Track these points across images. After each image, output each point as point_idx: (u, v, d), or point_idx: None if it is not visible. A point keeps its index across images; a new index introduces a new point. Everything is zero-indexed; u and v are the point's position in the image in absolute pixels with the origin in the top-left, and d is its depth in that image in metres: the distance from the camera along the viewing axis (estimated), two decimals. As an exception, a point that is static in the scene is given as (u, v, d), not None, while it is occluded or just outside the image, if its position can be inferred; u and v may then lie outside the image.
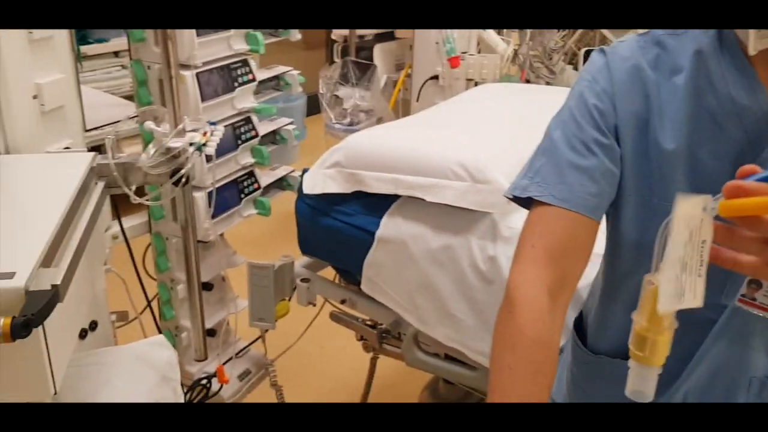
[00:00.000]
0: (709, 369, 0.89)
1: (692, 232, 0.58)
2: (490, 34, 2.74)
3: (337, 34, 3.06)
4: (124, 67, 3.50)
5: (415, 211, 1.54)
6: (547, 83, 2.90)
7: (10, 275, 0.85)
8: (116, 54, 3.46)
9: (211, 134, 1.21)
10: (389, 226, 1.57)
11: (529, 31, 2.74)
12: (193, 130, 1.21)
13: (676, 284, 0.59)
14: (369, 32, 3.06)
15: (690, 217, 0.58)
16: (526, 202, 0.88)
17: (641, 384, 0.65)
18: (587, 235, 0.86)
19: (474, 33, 2.67)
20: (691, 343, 0.88)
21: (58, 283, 0.86)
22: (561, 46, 2.91)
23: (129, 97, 3.61)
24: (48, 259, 0.93)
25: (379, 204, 1.59)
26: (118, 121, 1.69)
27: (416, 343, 1.58)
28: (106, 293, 1.42)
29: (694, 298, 0.60)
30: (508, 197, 0.91)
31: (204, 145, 1.17)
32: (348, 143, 1.66)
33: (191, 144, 1.16)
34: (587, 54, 2.19)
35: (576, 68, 3.13)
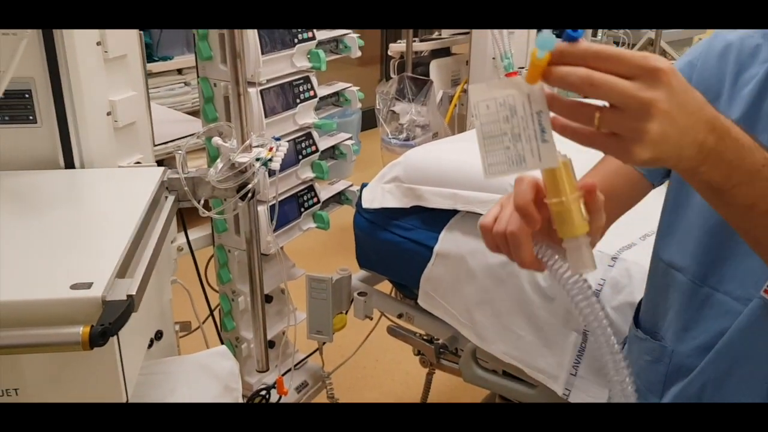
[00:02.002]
0: (730, 360, 0.88)
1: (518, 106, 0.63)
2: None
3: (394, 50, 3.08)
4: (186, 83, 3.60)
5: (474, 227, 1.54)
6: (606, 98, 2.86)
7: (88, 285, 0.89)
8: (179, 71, 3.57)
9: (277, 149, 1.24)
10: (447, 241, 1.57)
11: (587, 45, 2.71)
12: (259, 146, 1.24)
13: (508, 153, 0.65)
14: (425, 48, 3.08)
15: (503, 97, 0.64)
16: None
17: (577, 258, 0.66)
18: (628, 184, 0.90)
19: (531, 48, 2.66)
20: (717, 333, 0.88)
21: (134, 293, 0.89)
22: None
23: (191, 113, 3.72)
24: (123, 270, 0.96)
25: (437, 219, 1.60)
26: (185, 137, 1.74)
27: (474, 359, 1.58)
28: (172, 304, 1.47)
29: (540, 161, 0.64)
30: None
31: (270, 160, 1.20)
32: (406, 158, 1.68)
33: (257, 159, 1.19)
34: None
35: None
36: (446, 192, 1.55)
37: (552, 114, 0.62)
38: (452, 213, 1.59)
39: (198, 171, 1.26)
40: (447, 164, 1.60)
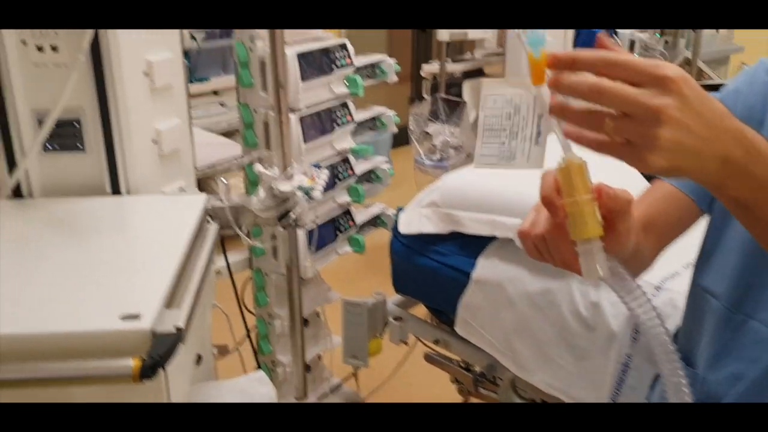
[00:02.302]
0: (762, 390, 0.86)
1: (523, 106, 0.67)
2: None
3: (427, 71, 3.10)
4: (222, 104, 3.66)
5: (513, 253, 1.53)
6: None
7: (137, 317, 0.90)
8: (216, 92, 3.62)
9: (318, 177, 1.25)
10: (486, 267, 1.56)
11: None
12: (301, 174, 1.25)
13: (502, 148, 0.68)
14: (458, 69, 3.09)
15: (510, 94, 0.68)
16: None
17: (588, 263, 0.65)
18: (677, 211, 0.89)
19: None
20: (750, 362, 0.87)
21: (182, 326, 0.90)
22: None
23: (226, 133, 3.77)
24: (170, 300, 0.98)
25: (475, 244, 1.59)
26: (224, 160, 1.76)
27: (514, 389, 1.56)
28: (211, 328, 1.48)
29: (527, 162, 0.68)
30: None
31: (312, 189, 1.21)
32: (444, 183, 1.68)
33: (300, 188, 1.20)
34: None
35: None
36: (484, 218, 1.55)
37: (565, 124, 0.62)
38: (490, 239, 1.58)
39: (240, 199, 1.27)
40: (485, 190, 1.60)
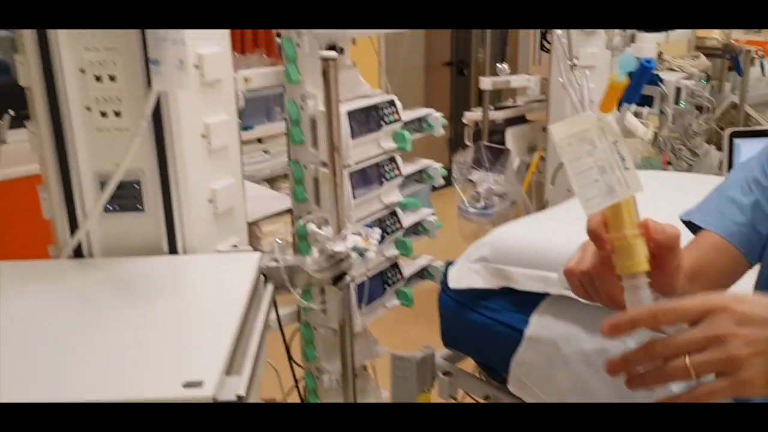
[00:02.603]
0: None
1: (596, 140, 0.69)
2: (629, 118, 2.70)
3: (469, 118, 3.11)
4: (266, 151, 3.72)
5: (567, 311, 1.50)
6: (690, 166, 2.80)
7: (199, 384, 0.91)
8: (260, 140, 3.70)
9: (371, 238, 1.26)
10: (539, 324, 1.54)
11: (670, 113, 2.67)
12: (355, 234, 1.26)
13: (599, 186, 0.68)
14: (500, 116, 3.09)
15: (581, 133, 0.69)
16: (694, 229, 0.97)
17: (633, 297, 0.67)
18: (726, 262, 0.91)
19: (613, 116, 2.64)
20: None
21: (243, 394, 0.91)
22: (704, 129, 2.82)
23: (269, 180, 3.83)
24: (230, 366, 0.98)
25: (527, 300, 1.57)
26: (274, 214, 1.79)
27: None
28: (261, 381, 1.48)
29: (628, 188, 0.68)
30: (682, 220, 1.00)
31: (366, 250, 1.22)
32: (494, 238, 1.67)
33: (354, 249, 1.21)
34: (733, 136, 2.11)
35: (720, 149, 3.00)
36: (537, 274, 1.53)
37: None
38: (543, 295, 1.56)
39: (295, 259, 1.28)
40: (537, 245, 1.58)
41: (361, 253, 1.21)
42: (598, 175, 0.69)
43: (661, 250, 0.69)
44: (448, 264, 1.76)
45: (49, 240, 1.43)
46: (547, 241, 1.58)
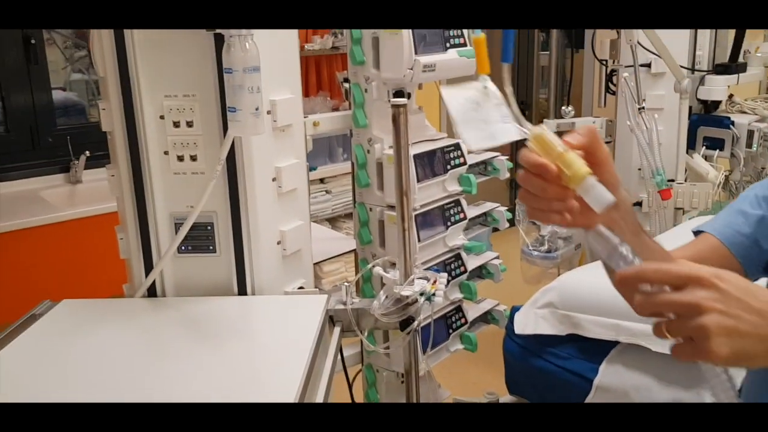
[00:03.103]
0: None
1: (479, 101, 0.86)
2: (698, 161, 2.63)
3: (533, 160, 3.09)
4: (328, 191, 3.78)
5: (638, 360, 1.46)
6: (765, 209, 2.69)
7: (269, 428, 0.91)
8: (322, 180, 3.75)
9: (438, 282, 1.25)
10: (609, 373, 1.49)
11: (742, 156, 2.59)
12: (422, 278, 1.26)
13: (484, 134, 0.86)
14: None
15: (468, 95, 0.87)
16: None
17: (595, 195, 0.72)
18: (720, 264, 0.90)
19: (681, 160, 2.58)
20: None
21: (313, 439, 0.90)
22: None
23: (330, 219, 3.88)
24: (299, 410, 0.98)
25: (596, 348, 1.53)
26: (339, 255, 1.81)
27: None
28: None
29: (506, 136, 0.85)
30: (693, 232, 1.06)
31: (433, 294, 1.21)
32: (561, 283, 1.64)
33: (422, 294, 1.20)
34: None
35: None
36: (607, 322, 1.49)
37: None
38: (613, 343, 1.52)
39: (362, 302, 1.29)
40: (606, 291, 1.53)
41: (428, 297, 1.21)
42: (484, 126, 0.85)
43: (587, 148, 0.76)
44: (514, 309, 1.73)
45: (120, 274, 1.47)
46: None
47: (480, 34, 0.87)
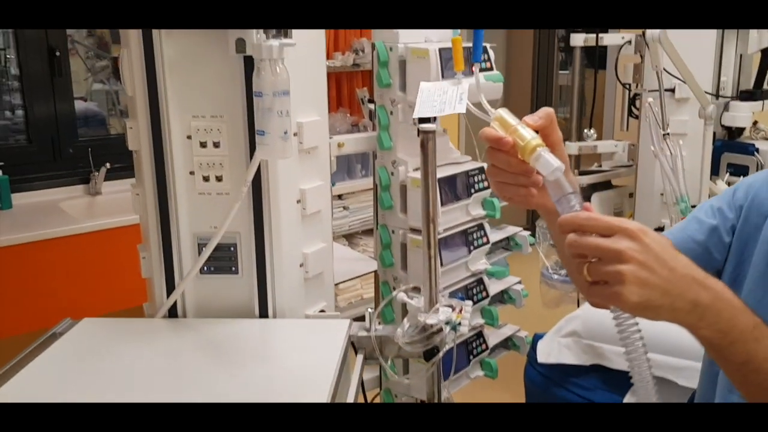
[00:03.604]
0: None
1: (450, 91, 1.04)
2: (722, 188, 2.59)
3: (553, 182, 3.06)
4: (345, 208, 3.77)
5: (664, 393, 1.42)
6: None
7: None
8: (339, 197, 3.74)
9: (464, 310, 1.23)
10: (634, 407, 1.46)
11: None
12: (447, 306, 1.24)
13: (434, 108, 1.05)
14: (585, 181, 3.03)
15: (440, 87, 1.06)
16: None
17: (543, 163, 0.80)
18: None
19: (705, 186, 2.54)
20: None
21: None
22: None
23: (347, 236, 3.87)
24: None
25: (620, 380, 1.50)
26: (359, 276, 1.79)
27: None
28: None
29: (453, 109, 1.03)
30: None
31: (459, 324, 1.19)
32: (585, 312, 1.61)
33: (447, 323, 1.18)
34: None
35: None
36: (670, 362, 1.45)
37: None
38: (638, 376, 1.48)
39: (385, 329, 1.27)
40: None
41: (454, 327, 1.19)
42: (437, 101, 1.04)
43: (543, 129, 0.84)
44: (536, 336, 1.71)
45: (138, 287, 1.46)
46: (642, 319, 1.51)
47: (457, 35, 0.97)
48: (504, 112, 0.85)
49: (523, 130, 0.83)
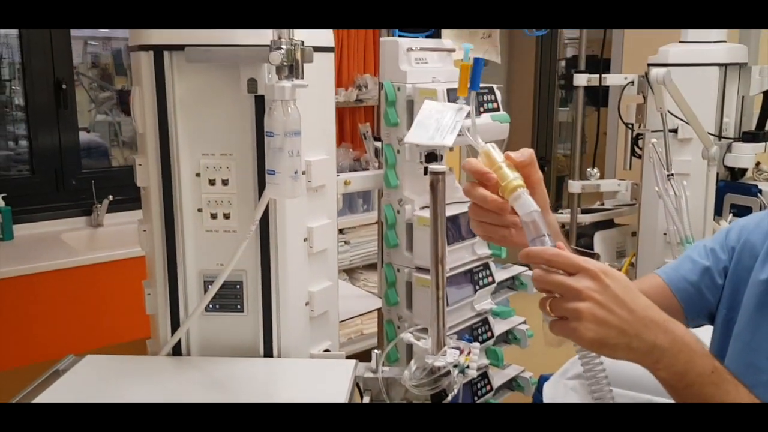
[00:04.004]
0: None
1: (447, 113, 1.05)
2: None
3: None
4: (347, 242, 3.76)
5: None
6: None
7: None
8: (341, 231, 3.74)
9: (471, 353, 1.22)
10: (642, 453, 1.44)
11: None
12: (455, 348, 1.22)
13: (428, 135, 1.06)
14: (588, 220, 3.03)
15: (441, 108, 1.07)
16: None
17: (521, 204, 0.83)
18: (659, 302, 0.97)
19: (709, 227, 2.54)
20: None
21: None
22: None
23: (347, 271, 3.85)
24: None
25: (628, 425, 1.48)
26: (364, 314, 1.78)
27: None
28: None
29: (443, 140, 1.04)
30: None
31: (467, 366, 1.18)
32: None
33: (455, 366, 1.17)
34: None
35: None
36: (640, 397, 1.44)
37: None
38: (646, 421, 1.46)
39: (392, 371, 1.25)
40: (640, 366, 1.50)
41: (462, 370, 1.17)
42: (433, 130, 1.04)
43: (524, 168, 0.86)
44: (542, 378, 1.69)
45: (138, 320, 1.44)
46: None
47: (469, 61, 0.96)
48: (491, 148, 0.88)
49: (507, 170, 0.85)
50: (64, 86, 3.03)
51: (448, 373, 1.19)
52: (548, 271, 0.77)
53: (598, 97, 3.02)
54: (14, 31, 2.97)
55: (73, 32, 3.10)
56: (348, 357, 1.37)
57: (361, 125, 3.97)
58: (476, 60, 0.99)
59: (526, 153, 0.89)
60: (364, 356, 1.35)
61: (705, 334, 1.07)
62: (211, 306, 1.33)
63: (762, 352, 0.94)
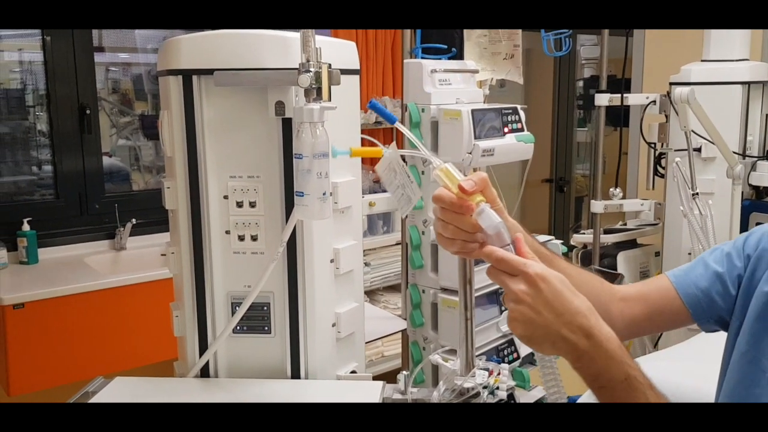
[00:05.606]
0: None
1: (397, 167, 1.13)
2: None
3: (578, 240, 3.05)
4: (366, 264, 3.76)
5: None
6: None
7: None
8: (361, 253, 3.74)
9: (501, 374, 1.21)
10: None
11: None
12: (483, 369, 1.21)
13: (403, 197, 1.15)
14: (611, 240, 3.01)
15: (389, 165, 1.13)
16: None
17: (484, 217, 0.90)
18: (665, 305, 1.05)
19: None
20: None
21: None
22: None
23: (367, 292, 3.85)
24: None
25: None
26: (387, 335, 1.77)
27: None
28: None
29: (415, 195, 1.16)
30: None
31: (496, 388, 1.17)
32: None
33: (484, 387, 1.16)
34: None
35: None
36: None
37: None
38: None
39: (421, 392, 1.25)
40: (666, 385, 1.47)
41: (491, 391, 1.16)
42: (401, 190, 1.10)
43: (482, 189, 0.91)
44: (570, 400, 1.66)
45: (163, 342, 1.44)
46: (673, 379, 1.47)
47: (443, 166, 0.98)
48: (449, 166, 0.94)
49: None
50: (88, 111, 3.08)
51: (478, 394, 1.18)
52: (498, 271, 0.86)
53: (618, 116, 3.01)
54: (39, 58, 3.02)
55: (95, 58, 3.16)
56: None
57: (383, 147, 4.00)
58: (371, 104, 1.10)
59: (477, 177, 0.93)
60: (385, 378, 1.35)
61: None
62: (238, 327, 1.33)
63: (759, 365, 0.94)
